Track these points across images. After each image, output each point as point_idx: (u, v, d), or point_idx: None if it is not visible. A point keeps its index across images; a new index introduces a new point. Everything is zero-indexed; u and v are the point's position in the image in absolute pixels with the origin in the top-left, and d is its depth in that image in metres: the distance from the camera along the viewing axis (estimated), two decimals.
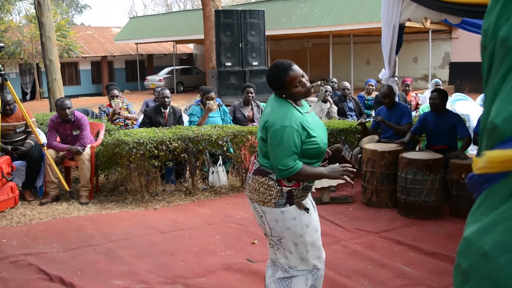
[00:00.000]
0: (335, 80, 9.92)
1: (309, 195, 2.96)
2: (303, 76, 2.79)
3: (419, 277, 3.83)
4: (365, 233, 4.82)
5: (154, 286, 3.74)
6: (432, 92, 6.22)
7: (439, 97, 5.93)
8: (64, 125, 6.26)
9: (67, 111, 6.14)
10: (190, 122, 7.03)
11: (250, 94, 7.61)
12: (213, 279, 3.84)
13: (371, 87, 9.25)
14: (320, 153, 2.82)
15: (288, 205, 2.76)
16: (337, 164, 2.88)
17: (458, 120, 5.94)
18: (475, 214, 1.05)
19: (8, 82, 5.83)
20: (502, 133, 0.99)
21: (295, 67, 2.79)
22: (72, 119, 6.24)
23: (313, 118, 2.88)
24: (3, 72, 5.67)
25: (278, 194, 2.74)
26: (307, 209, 2.82)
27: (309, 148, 2.74)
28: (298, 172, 2.70)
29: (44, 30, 10.53)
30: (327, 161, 3.04)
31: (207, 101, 6.92)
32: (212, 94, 7.04)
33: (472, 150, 6.85)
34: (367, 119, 7.15)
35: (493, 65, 1.07)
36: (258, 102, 7.94)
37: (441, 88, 9.34)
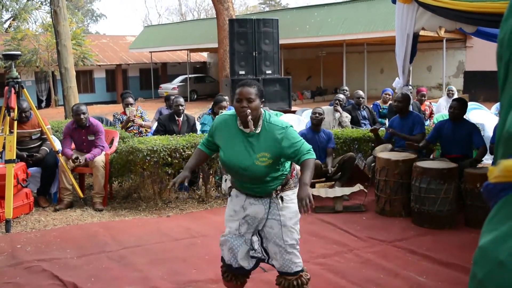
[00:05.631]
0: (346, 88, 9.90)
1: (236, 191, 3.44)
2: (244, 100, 2.87)
3: (433, 287, 3.79)
4: (379, 242, 4.79)
5: None
6: (452, 100, 6.18)
7: (459, 106, 5.91)
8: (79, 131, 6.32)
9: (82, 116, 6.20)
10: (202, 132, 7.03)
11: None
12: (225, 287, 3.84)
13: (387, 95, 9.22)
14: (227, 166, 3.16)
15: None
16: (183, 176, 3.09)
17: (474, 129, 5.91)
18: (491, 223, 1.04)
19: (24, 89, 5.90)
20: None
21: (243, 88, 2.88)
22: (87, 125, 6.31)
23: (239, 141, 3.01)
24: (19, 80, 5.73)
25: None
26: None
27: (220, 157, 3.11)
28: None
29: (60, 39, 10.66)
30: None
31: (220, 110, 6.92)
32: (224, 104, 7.02)
33: (487, 159, 6.79)
34: (381, 128, 7.11)
35: (509, 74, 1.07)
36: (271, 110, 7.93)
37: (458, 96, 9.30)
